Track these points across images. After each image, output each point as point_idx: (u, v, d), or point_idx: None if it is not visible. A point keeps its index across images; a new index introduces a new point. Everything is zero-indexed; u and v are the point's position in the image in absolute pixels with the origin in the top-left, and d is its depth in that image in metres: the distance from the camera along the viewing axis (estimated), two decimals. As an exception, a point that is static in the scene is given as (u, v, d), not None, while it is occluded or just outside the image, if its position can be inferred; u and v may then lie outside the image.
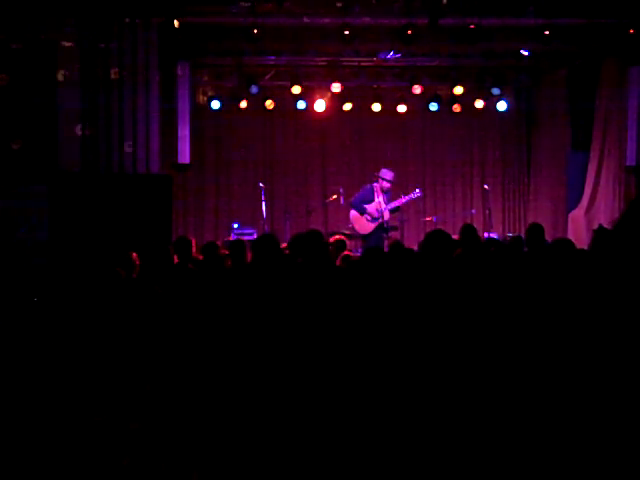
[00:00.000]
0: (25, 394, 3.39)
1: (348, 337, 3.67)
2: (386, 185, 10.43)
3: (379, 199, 10.36)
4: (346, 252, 6.80)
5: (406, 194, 10.71)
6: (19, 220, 8.47)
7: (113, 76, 9.57)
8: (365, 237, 10.37)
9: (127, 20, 9.53)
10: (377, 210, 10.32)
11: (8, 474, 2.98)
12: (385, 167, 10.75)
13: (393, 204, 10.52)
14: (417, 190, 10.83)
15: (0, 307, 4.40)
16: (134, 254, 5.97)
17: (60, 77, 9.20)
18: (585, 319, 3.57)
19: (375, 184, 10.47)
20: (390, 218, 10.45)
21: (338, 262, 6.16)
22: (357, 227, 10.37)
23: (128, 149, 9.62)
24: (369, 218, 10.35)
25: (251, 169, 13.07)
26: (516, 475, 3.03)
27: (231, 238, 10.70)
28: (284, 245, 6.03)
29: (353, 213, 10.50)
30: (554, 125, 12.63)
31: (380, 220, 10.31)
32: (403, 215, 11.23)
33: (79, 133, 9.34)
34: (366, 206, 10.36)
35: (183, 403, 3.44)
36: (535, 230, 6.38)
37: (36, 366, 3.61)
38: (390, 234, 10.64)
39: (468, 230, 6.52)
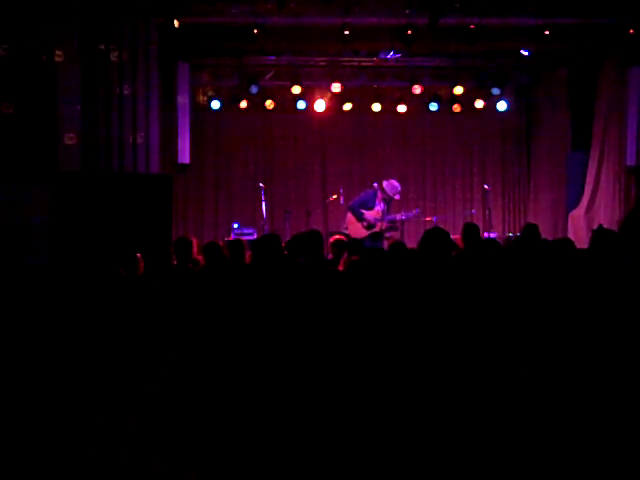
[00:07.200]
0: (25, 392, 3.40)
1: (348, 336, 3.68)
2: (387, 197, 10.48)
3: (379, 207, 10.38)
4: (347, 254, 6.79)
5: (407, 210, 10.85)
6: (20, 220, 8.46)
7: (113, 76, 9.57)
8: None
9: (127, 20, 9.53)
10: (374, 219, 10.34)
11: (8, 473, 2.99)
12: (393, 179, 10.74)
13: (391, 217, 10.56)
14: (417, 209, 10.94)
15: (0, 307, 4.41)
16: (138, 255, 5.97)
17: (60, 77, 9.20)
18: (585, 318, 3.58)
19: (379, 191, 10.50)
20: (385, 228, 10.49)
21: (341, 264, 6.16)
22: (351, 231, 10.36)
23: (128, 151, 9.61)
24: (365, 225, 10.37)
25: (251, 169, 13.07)
26: (516, 475, 3.03)
27: (231, 238, 10.71)
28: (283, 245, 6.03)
29: (350, 216, 10.53)
30: (554, 125, 12.64)
31: (375, 229, 10.34)
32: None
33: (79, 133, 9.34)
34: (364, 212, 10.37)
35: (183, 403, 3.44)
36: (530, 230, 6.39)
37: (35, 365, 3.61)
38: (390, 234, 10.66)
39: (470, 229, 6.54)
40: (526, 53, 11.09)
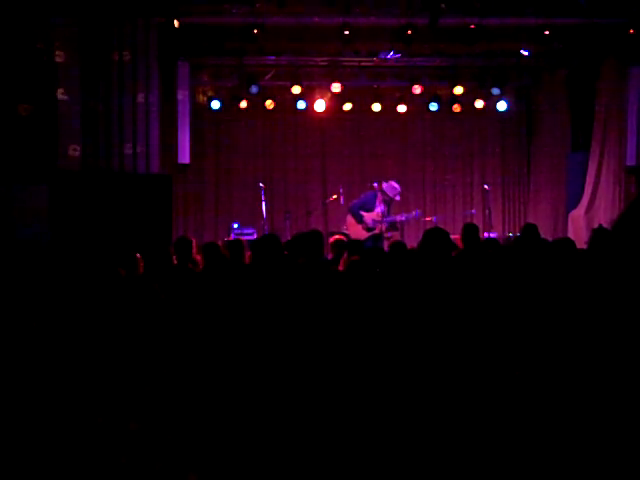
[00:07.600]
0: (25, 394, 3.40)
1: (348, 336, 3.68)
2: (387, 198, 10.49)
3: (379, 209, 10.38)
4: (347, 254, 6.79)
5: (407, 212, 10.84)
6: (19, 220, 8.46)
7: (113, 76, 9.57)
8: None
9: (127, 20, 9.54)
10: (374, 221, 10.34)
11: (8, 474, 2.99)
12: (392, 180, 10.75)
13: (391, 219, 10.56)
14: (418, 210, 10.93)
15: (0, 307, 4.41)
16: (138, 255, 5.97)
17: (60, 77, 9.20)
18: (585, 318, 3.58)
19: (379, 192, 10.51)
20: (385, 230, 10.49)
21: (341, 264, 6.16)
22: (351, 233, 10.34)
23: (128, 151, 9.62)
24: (364, 227, 10.38)
25: (251, 169, 13.07)
26: (516, 475, 3.03)
27: (231, 238, 10.71)
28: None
29: (349, 218, 10.54)
30: (554, 125, 12.64)
31: (375, 231, 10.34)
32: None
33: (79, 133, 9.34)
34: (364, 214, 10.37)
35: (182, 403, 3.44)
36: (530, 230, 6.40)
37: (35, 366, 3.61)
38: (390, 234, 10.66)
39: (470, 229, 6.55)
40: (526, 53, 11.10)
